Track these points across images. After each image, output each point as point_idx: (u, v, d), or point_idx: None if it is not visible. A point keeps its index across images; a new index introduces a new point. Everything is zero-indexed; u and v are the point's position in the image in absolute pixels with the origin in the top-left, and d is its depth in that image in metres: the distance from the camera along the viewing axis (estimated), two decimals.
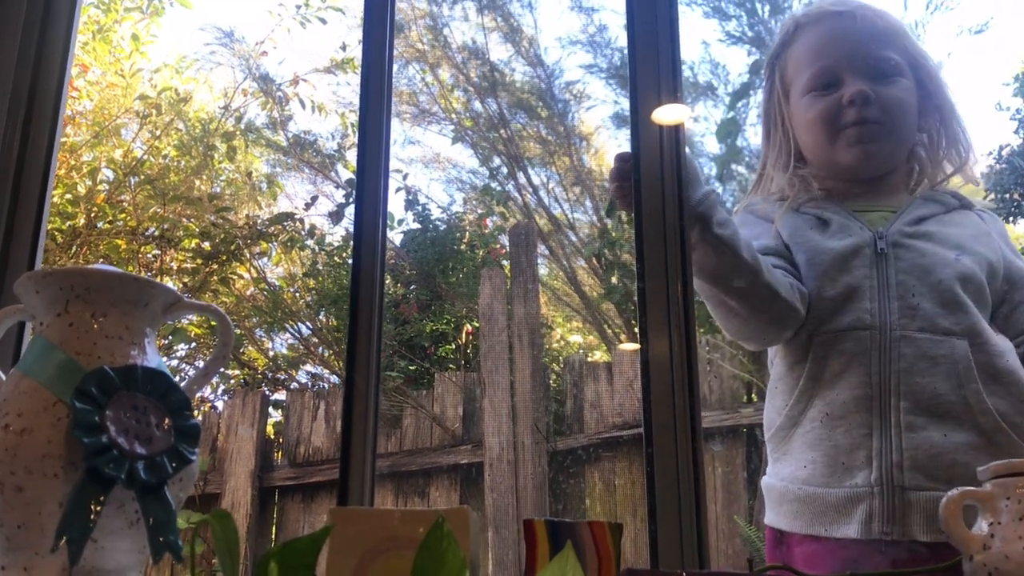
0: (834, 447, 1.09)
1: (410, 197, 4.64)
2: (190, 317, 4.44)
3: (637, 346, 1.02)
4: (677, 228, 0.96)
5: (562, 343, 5.13)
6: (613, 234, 4.13)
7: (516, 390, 3.48)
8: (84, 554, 0.69)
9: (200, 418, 3.75)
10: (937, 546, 1.01)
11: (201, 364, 5.03)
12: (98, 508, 0.67)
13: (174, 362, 4.67)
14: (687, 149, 1.06)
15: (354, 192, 1.02)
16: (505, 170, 4.66)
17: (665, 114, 1.03)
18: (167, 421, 0.73)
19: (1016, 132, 4.79)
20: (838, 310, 1.13)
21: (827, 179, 1.25)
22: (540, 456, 3.41)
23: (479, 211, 4.82)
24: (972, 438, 1.08)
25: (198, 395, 4.85)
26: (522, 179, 4.58)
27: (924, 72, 1.25)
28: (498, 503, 3.33)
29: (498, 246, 4.61)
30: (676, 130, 1.02)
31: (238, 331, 4.45)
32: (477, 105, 4.65)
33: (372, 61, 1.09)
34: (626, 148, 1.07)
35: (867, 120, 1.19)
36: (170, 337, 4.21)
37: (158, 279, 4.54)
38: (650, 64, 1.04)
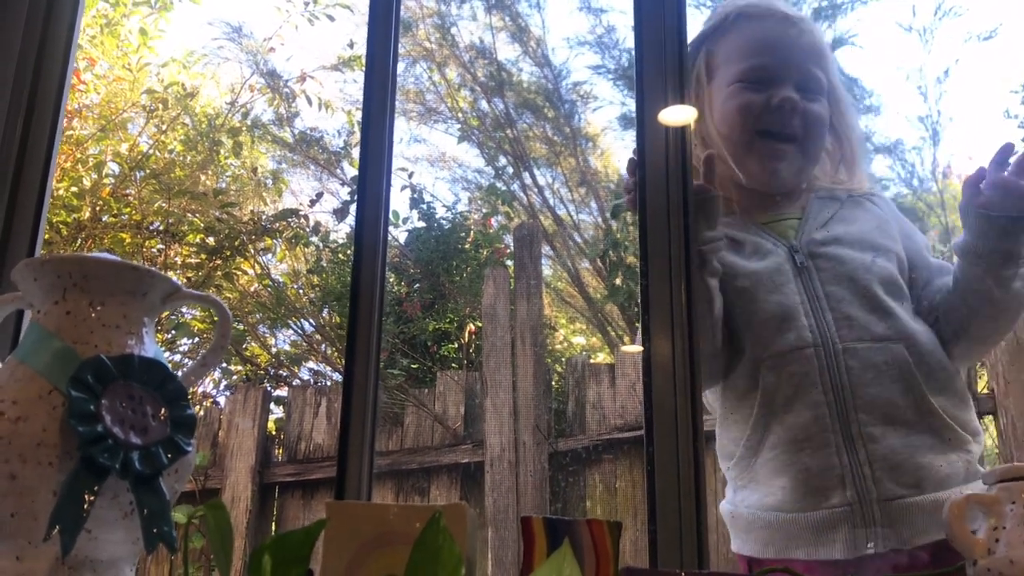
0: (804, 471, 1.08)
1: (415, 195, 4.63)
2: (193, 312, 4.44)
3: (640, 348, 1.03)
4: (681, 228, 0.95)
5: (565, 344, 5.12)
6: (618, 235, 4.12)
7: (518, 390, 3.47)
8: (78, 544, 0.68)
9: (202, 413, 3.74)
10: (919, 551, 1.04)
11: None
12: (92, 498, 0.66)
13: (177, 357, 4.67)
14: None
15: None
16: (511, 170, 4.66)
17: (671, 115, 1.02)
18: (163, 411, 0.73)
19: None
20: (778, 330, 1.13)
21: (731, 186, 1.24)
22: (541, 456, 3.40)
23: (484, 211, 4.81)
24: (927, 439, 1.09)
25: (200, 390, 4.86)
26: (527, 179, 4.58)
27: (835, 97, 1.27)
28: (498, 503, 3.32)
29: (502, 246, 4.60)
30: (682, 131, 1.02)
31: (241, 327, 4.45)
32: (484, 104, 4.65)
33: (376, 58, 1.08)
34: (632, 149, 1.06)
35: (785, 131, 1.21)
36: (173, 332, 4.21)
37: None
38: (657, 65, 1.03)
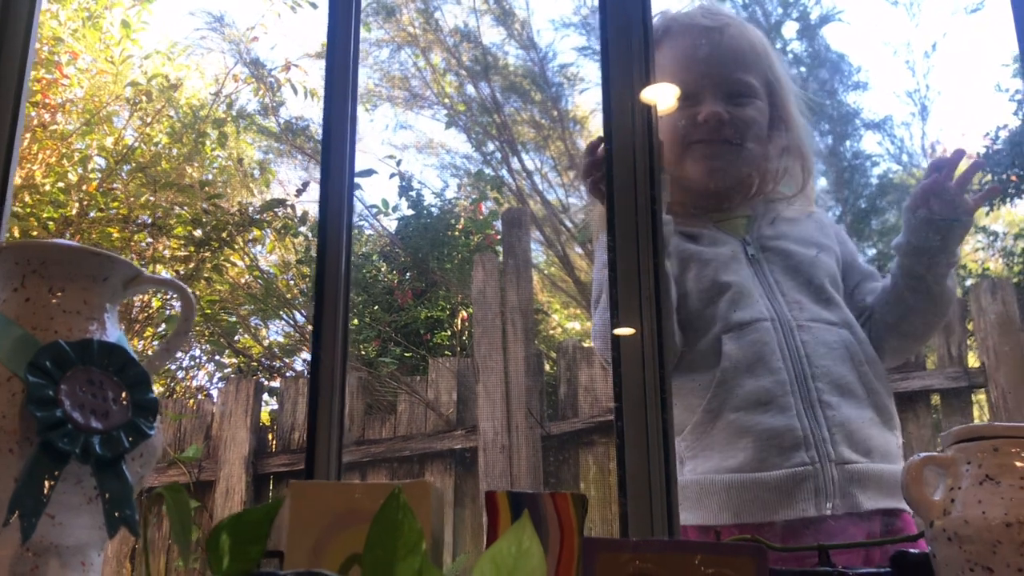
0: (767, 430, 1.12)
1: (404, 183, 4.62)
2: (177, 305, 4.42)
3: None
4: (648, 205, 0.95)
5: (559, 330, 5.12)
6: None
7: (510, 375, 3.48)
8: (42, 530, 0.68)
9: (195, 406, 3.74)
10: (872, 516, 1.09)
11: (198, 352, 5.02)
12: (51, 483, 0.66)
13: None
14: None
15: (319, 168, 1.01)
16: (499, 155, 4.64)
17: (648, 94, 1.02)
18: (124, 395, 0.72)
19: (1015, 113, 4.76)
20: (737, 305, 1.19)
21: (678, 192, 1.31)
22: (534, 440, 3.41)
23: (473, 197, 4.80)
24: (871, 414, 1.16)
25: (195, 383, 4.82)
26: (515, 164, 4.56)
27: (777, 95, 1.31)
28: (492, 487, 3.32)
29: (493, 232, 4.59)
30: (648, 109, 1.01)
31: (232, 319, 4.45)
32: (470, 89, 4.63)
33: (337, 35, 1.07)
34: None
35: (717, 140, 1.25)
36: (164, 325, 4.21)
37: (151, 267, 4.53)
38: (623, 42, 1.02)
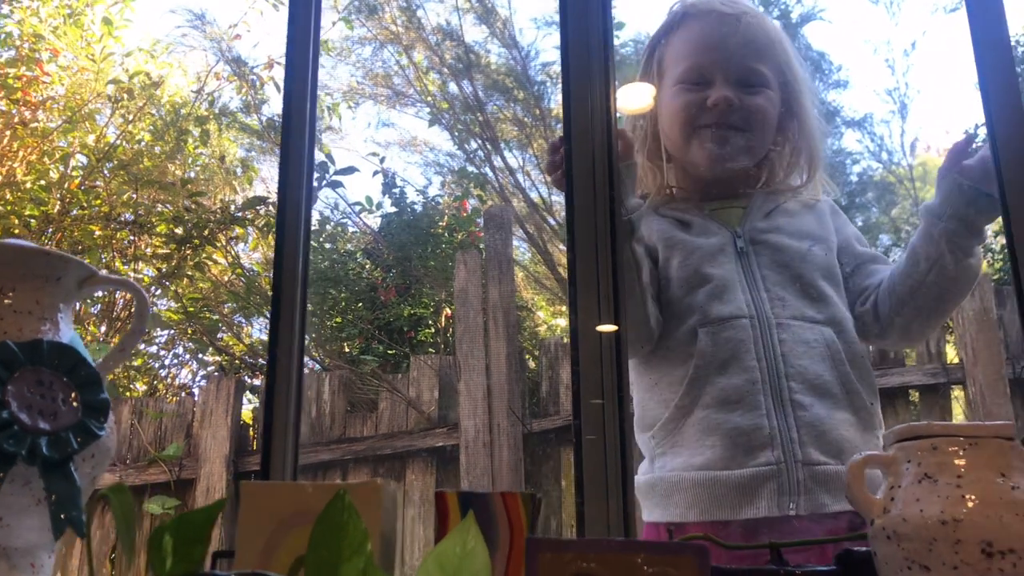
0: (734, 429, 1.11)
1: (387, 181, 4.61)
2: (169, 303, 4.42)
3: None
4: (607, 200, 0.96)
5: (544, 328, 5.13)
6: None
7: (491, 372, 3.48)
8: None
9: (175, 404, 3.72)
10: (838, 518, 1.08)
11: (181, 350, 4.99)
12: None
13: (153, 348, 4.65)
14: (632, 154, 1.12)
15: (283, 167, 1.00)
16: (482, 153, 4.64)
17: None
18: (74, 396, 0.72)
19: None
20: (717, 299, 1.18)
21: (681, 177, 1.31)
22: (516, 438, 3.41)
23: (456, 194, 4.79)
24: (848, 415, 1.14)
25: (178, 382, 4.78)
26: (498, 162, 4.56)
27: (790, 89, 1.30)
28: (474, 485, 3.33)
29: (476, 229, 4.59)
30: (607, 107, 1.01)
31: (215, 317, 4.43)
32: (453, 87, 4.62)
33: (297, 37, 1.07)
34: None
35: (725, 125, 1.24)
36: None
37: (133, 264, 4.51)
38: (582, 42, 1.02)
